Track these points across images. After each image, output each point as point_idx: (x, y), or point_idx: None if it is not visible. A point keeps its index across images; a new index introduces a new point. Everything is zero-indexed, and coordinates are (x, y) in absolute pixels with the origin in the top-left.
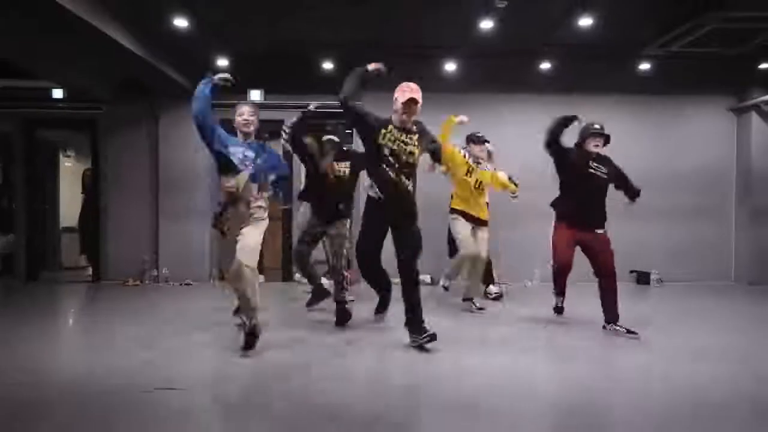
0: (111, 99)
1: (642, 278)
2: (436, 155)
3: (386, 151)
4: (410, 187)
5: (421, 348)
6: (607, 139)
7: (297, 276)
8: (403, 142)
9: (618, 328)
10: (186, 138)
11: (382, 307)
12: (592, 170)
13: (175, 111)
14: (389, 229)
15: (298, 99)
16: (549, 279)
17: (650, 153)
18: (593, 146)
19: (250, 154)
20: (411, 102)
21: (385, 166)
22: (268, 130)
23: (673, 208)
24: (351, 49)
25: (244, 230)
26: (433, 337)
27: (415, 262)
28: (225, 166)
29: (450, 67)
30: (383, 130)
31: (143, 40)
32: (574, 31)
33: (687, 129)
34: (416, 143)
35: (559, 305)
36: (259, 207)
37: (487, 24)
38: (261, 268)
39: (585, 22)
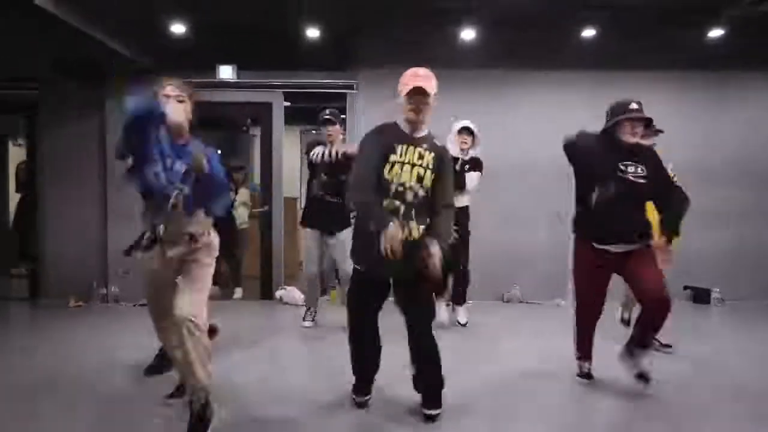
0: (49, 78)
1: (700, 296)
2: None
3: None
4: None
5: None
6: (649, 124)
7: (280, 293)
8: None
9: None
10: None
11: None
12: (624, 175)
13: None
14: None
15: (278, 77)
16: None
17: (715, 142)
18: (629, 135)
19: (179, 167)
20: (417, 92)
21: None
22: (243, 114)
23: (741, 209)
24: (341, 14)
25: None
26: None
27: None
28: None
29: (468, 34)
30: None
31: (82, 8)
32: None
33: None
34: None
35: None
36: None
37: None
38: (238, 279)
39: None
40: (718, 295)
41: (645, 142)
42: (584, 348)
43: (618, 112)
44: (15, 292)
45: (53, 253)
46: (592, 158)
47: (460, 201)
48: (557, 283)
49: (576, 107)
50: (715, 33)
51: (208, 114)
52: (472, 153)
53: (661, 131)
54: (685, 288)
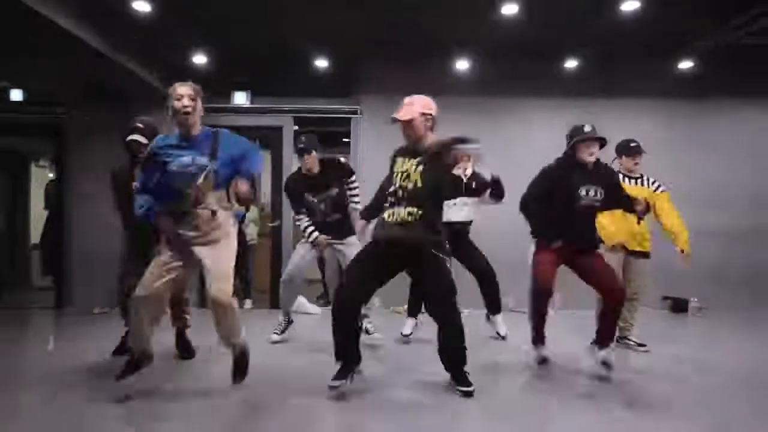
0: (77, 103)
1: (678, 305)
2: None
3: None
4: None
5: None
6: (603, 144)
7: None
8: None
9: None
10: None
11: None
12: (582, 201)
13: (149, 116)
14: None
15: (289, 102)
16: None
17: (688, 164)
18: (586, 155)
19: (202, 159)
20: (396, 122)
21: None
22: (255, 137)
23: (717, 226)
24: (348, 45)
25: (206, 251)
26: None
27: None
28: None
29: (462, 65)
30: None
31: (108, 36)
32: (609, 23)
33: (734, 137)
34: (415, 165)
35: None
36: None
37: (510, 8)
38: (249, 291)
39: (629, 6)
40: (696, 305)
41: (632, 161)
42: (542, 333)
43: (574, 135)
44: (42, 302)
45: (79, 266)
46: (554, 188)
47: (464, 215)
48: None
49: (563, 130)
50: (685, 65)
51: None
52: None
53: (644, 151)
54: (664, 298)
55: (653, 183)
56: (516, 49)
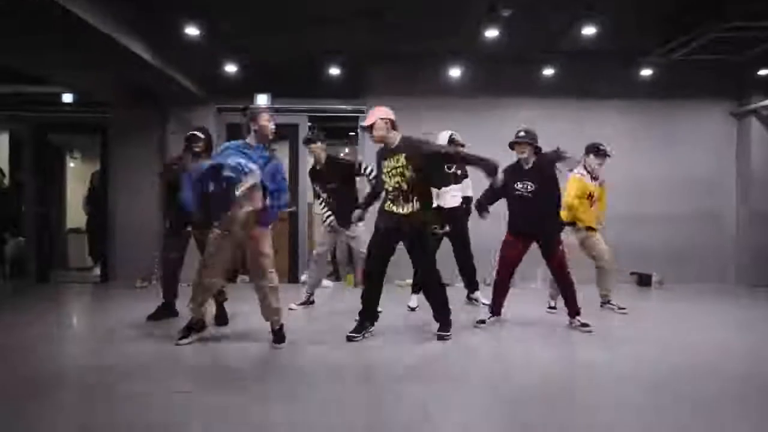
0: (121, 104)
1: (643, 280)
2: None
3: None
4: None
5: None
6: (532, 144)
7: (304, 278)
8: (393, 168)
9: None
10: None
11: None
12: (518, 192)
13: (182, 115)
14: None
15: (304, 103)
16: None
17: (652, 157)
18: (519, 154)
19: (253, 166)
20: (367, 128)
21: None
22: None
23: (674, 212)
24: (357, 55)
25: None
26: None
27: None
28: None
29: (454, 72)
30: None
31: (155, 48)
32: (578, 39)
33: (689, 134)
34: (404, 163)
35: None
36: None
37: (492, 32)
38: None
39: (588, 30)
40: (658, 279)
41: (596, 162)
42: (501, 304)
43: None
44: (90, 279)
45: (121, 247)
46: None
47: (452, 201)
48: (529, 269)
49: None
50: (646, 72)
51: None
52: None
53: (609, 155)
54: (632, 273)
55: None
56: (499, 58)
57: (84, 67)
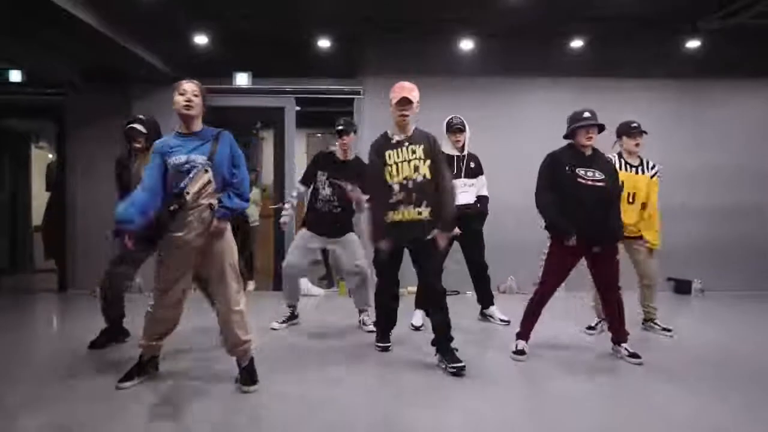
0: (78, 84)
1: (681, 287)
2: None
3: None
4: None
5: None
6: (601, 129)
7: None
8: (406, 161)
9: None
10: (162, 128)
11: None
12: (584, 180)
13: (150, 98)
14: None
15: (291, 83)
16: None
17: (694, 144)
18: (585, 140)
19: (198, 157)
20: (404, 101)
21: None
22: (259, 118)
23: (718, 207)
24: (350, 25)
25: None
26: (459, 370)
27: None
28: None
29: (466, 45)
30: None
31: (109, 17)
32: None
33: (737, 117)
34: (421, 156)
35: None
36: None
37: None
38: (251, 273)
39: None
40: (699, 286)
41: (632, 142)
42: (530, 328)
43: (573, 121)
44: (45, 285)
45: (82, 249)
46: (559, 175)
47: (463, 197)
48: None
49: (566, 110)
50: (693, 44)
51: (223, 118)
52: (468, 150)
53: (645, 132)
54: (668, 279)
55: (652, 168)
56: (518, 29)
57: (26, 40)
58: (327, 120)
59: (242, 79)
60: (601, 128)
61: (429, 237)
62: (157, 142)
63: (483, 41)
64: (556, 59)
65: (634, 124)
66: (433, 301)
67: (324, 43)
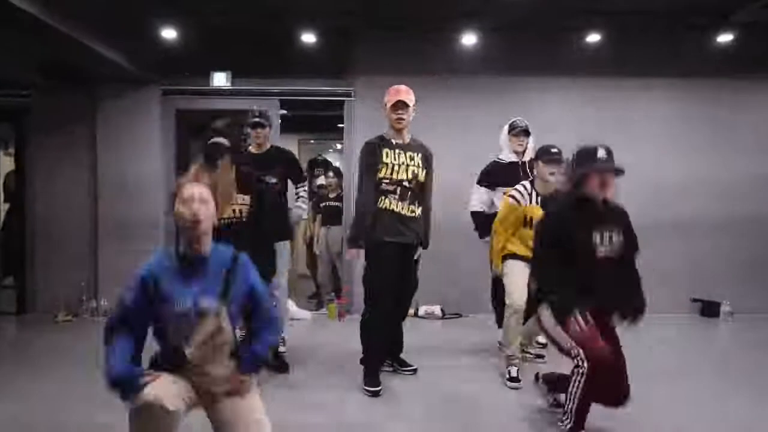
0: (38, 84)
1: (709, 309)
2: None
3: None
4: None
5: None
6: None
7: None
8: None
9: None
10: (130, 134)
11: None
12: (596, 250)
13: (116, 101)
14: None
15: (274, 84)
16: None
17: (717, 150)
18: (598, 190)
19: (207, 300)
20: (400, 104)
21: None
22: (238, 122)
23: (746, 218)
24: (337, 19)
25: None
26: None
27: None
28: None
29: (468, 41)
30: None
31: (59, 7)
32: None
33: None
34: (419, 163)
35: None
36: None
37: None
38: None
39: None
40: (728, 308)
41: (547, 170)
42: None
43: (584, 162)
44: (2, 306)
45: (42, 266)
46: (567, 238)
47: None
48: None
49: (577, 111)
50: (725, 38)
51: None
52: (529, 155)
53: (563, 162)
54: (693, 300)
55: None
56: (525, 24)
57: None
58: (320, 124)
59: (220, 80)
60: (618, 172)
61: (416, 257)
62: (145, 266)
63: (486, 36)
64: (568, 56)
65: (554, 150)
66: (402, 317)
67: (309, 38)
